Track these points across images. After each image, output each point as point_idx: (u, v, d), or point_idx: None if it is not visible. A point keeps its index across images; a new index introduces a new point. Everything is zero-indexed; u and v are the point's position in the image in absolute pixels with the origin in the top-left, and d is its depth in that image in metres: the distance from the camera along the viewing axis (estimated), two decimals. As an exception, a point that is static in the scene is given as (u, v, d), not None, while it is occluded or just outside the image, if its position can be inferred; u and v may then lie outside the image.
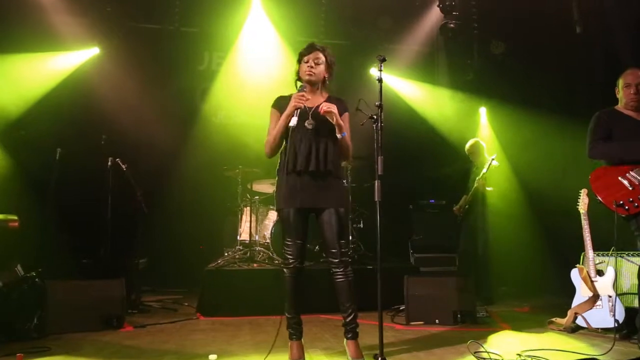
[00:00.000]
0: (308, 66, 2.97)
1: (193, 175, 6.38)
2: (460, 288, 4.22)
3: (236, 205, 5.97)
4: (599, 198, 3.29)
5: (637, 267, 3.90)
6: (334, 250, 2.94)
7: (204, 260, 5.95)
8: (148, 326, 4.04)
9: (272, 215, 5.94)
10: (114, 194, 5.00)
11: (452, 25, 6.61)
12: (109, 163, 4.97)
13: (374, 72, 6.74)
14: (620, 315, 3.57)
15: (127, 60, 6.18)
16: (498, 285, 5.59)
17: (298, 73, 3.06)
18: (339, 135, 2.90)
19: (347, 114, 3.07)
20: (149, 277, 5.64)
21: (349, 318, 2.95)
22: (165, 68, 6.53)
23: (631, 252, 4.07)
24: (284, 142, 2.98)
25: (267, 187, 5.98)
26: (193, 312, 4.68)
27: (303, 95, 2.87)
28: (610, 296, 3.66)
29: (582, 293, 3.80)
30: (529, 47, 5.77)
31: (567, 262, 5.57)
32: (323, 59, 3.00)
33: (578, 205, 3.98)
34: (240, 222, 5.84)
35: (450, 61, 6.88)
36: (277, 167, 3.08)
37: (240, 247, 5.62)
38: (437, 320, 4.16)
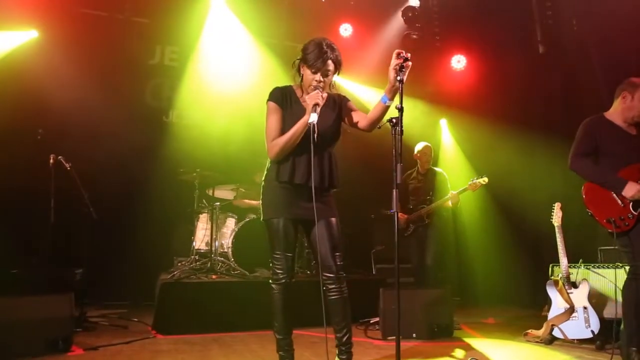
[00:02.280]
0: (316, 81, 2.63)
1: (138, 177, 5.81)
2: (436, 301, 4.14)
3: (190, 211, 5.54)
4: (590, 211, 3.25)
5: (603, 277, 4.06)
6: (328, 265, 2.67)
7: (149, 270, 5.50)
8: (100, 348, 3.54)
9: (231, 223, 5.57)
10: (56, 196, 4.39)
11: (415, 36, 6.67)
12: (51, 161, 4.37)
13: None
14: (595, 326, 3.65)
15: (70, 48, 5.53)
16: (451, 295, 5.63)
17: (300, 70, 2.74)
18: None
19: (350, 102, 2.82)
20: (84, 289, 5.04)
21: (345, 338, 2.71)
22: (112, 59, 5.94)
23: (597, 264, 4.21)
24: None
25: (226, 193, 5.60)
26: (147, 330, 4.21)
27: (319, 92, 2.57)
28: (585, 307, 3.73)
29: (558, 305, 3.85)
30: (491, 61, 5.90)
31: (530, 273, 5.79)
32: (332, 67, 2.66)
33: (552, 218, 4.04)
34: (196, 230, 5.40)
35: (411, 72, 6.89)
36: (266, 174, 2.79)
37: (196, 257, 5.19)
38: (414, 334, 4.04)
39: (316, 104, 2.53)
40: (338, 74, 2.77)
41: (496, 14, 5.62)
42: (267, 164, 2.81)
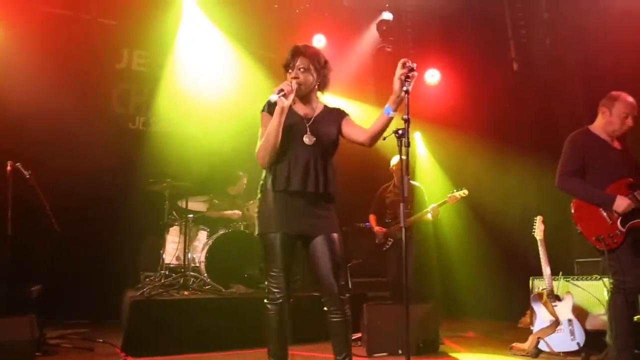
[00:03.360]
0: (292, 78, 2.54)
1: (103, 187, 5.45)
2: (422, 316, 4.05)
3: (162, 223, 5.23)
4: (579, 228, 3.24)
5: (583, 290, 4.12)
6: (330, 285, 2.49)
7: (112, 286, 5.15)
8: (67, 375, 3.22)
9: (203, 236, 5.33)
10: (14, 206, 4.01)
11: (388, 49, 6.70)
12: (8, 168, 4.01)
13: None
14: (581, 339, 3.67)
15: (32, 48, 5.16)
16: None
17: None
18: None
19: (349, 116, 2.69)
20: (39, 307, 4.64)
21: None
22: (76, 61, 5.58)
23: (575, 277, 4.27)
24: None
25: (198, 205, 5.33)
26: (115, 352, 3.88)
27: (288, 82, 2.48)
28: (570, 320, 3.74)
29: (543, 318, 3.85)
30: (465, 76, 5.99)
31: (505, 285, 5.84)
32: (309, 63, 2.56)
33: (534, 231, 4.07)
34: (165, 244, 5.10)
35: (386, 85, 6.93)
36: (261, 184, 2.62)
37: (166, 272, 4.89)
38: (399, 351, 3.93)
39: (281, 89, 2.42)
40: (325, 81, 2.64)
41: (470, 29, 5.72)
42: (263, 174, 2.64)
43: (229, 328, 4.13)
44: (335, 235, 2.57)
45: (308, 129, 2.53)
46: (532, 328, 4.09)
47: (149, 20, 5.92)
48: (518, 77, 5.47)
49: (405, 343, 2.32)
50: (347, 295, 2.55)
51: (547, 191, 5.25)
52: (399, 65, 2.36)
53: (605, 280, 3.85)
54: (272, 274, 2.52)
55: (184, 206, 5.16)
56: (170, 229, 5.17)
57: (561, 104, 5.11)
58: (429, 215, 4.88)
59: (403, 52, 6.72)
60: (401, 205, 2.34)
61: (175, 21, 5.96)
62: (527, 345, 3.84)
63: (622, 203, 3.07)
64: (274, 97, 2.44)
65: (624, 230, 3.08)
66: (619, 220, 3.10)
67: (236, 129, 6.03)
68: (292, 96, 2.47)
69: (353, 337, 4.30)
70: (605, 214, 3.16)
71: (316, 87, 2.64)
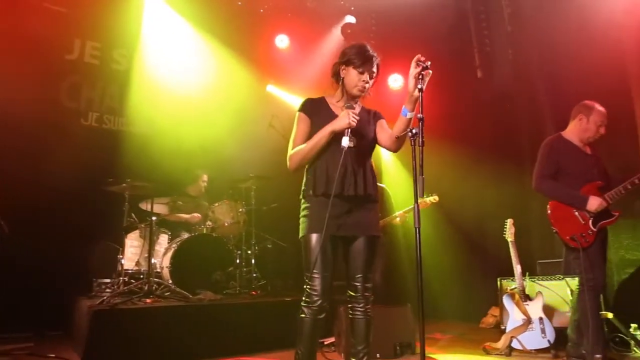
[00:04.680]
0: (363, 81, 2.54)
1: (50, 187, 4.94)
2: (399, 319, 4.05)
3: (115, 227, 4.88)
4: (555, 229, 3.44)
5: (546, 289, 4.30)
6: (356, 284, 2.53)
7: (56, 294, 4.73)
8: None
9: (163, 240, 5.04)
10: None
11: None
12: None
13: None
14: (551, 336, 3.81)
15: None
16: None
17: (340, 74, 2.60)
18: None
19: (383, 120, 2.70)
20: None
21: None
22: (21, 50, 5.10)
23: (541, 277, 4.45)
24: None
25: (160, 207, 5.02)
26: (74, 367, 3.56)
27: (355, 113, 2.45)
28: (541, 318, 3.88)
29: (515, 317, 3.97)
30: (428, 82, 6.08)
31: (465, 287, 5.99)
32: (376, 71, 2.59)
33: (504, 234, 4.19)
34: (124, 248, 4.75)
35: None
36: (303, 189, 2.60)
37: (125, 279, 4.56)
38: (378, 355, 3.89)
39: (349, 128, 2.41)
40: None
41: (434, 36, 5.84)
42: (304, 178, 2.63)
43: (199, 337, 3.92)
44: (375, 237, 2.58)
45: (348, 132, 2.47)
46: (502, 327, 4.22)
47: (103, 11, 5.55)
48: (482, 84, 5.64)
49: (421, 341, 2.24)
50: (371, 296, 2.57)
51: (506, 196, 5.48)
52: (413, 63, 2.33)
53: (568, 279, 4.06)
54: (311, 275, 2.47)
55: (144, 208, 4.86)
56: (130, 233, 4.83)
57: (522, 112, 5.34)
58: (398, 220, 4.93)
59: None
60: (415, 205, 2.29)
61: (134, 13, 5.62)
62: (500, 344, 3.94)
63: (594, 202, 3.31)
64: (345, 142, 2.40)
65: (595, 230, 3.32)
66: (590, 221, 3.33)
67: (199, 124, 5.80)
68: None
69: (326, 342, 4.28)
70: (578, 214, 3.38)
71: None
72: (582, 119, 3.53)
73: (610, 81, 4.32)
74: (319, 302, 2.43)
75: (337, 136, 2.50)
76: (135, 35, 5.68)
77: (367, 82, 2.55)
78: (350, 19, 6.89)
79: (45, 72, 5.31)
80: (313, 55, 6.91)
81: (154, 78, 5.70)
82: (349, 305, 2.57)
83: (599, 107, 3.50)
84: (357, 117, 2.44)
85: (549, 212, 3.48)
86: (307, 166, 2.60)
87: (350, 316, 2.58)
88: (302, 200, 2.60)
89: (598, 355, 3.23)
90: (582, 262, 3.29)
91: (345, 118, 2.41)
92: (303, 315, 2.47)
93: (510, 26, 5.28)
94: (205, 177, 5.57)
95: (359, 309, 2.54)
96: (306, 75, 6.90)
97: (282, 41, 6.83)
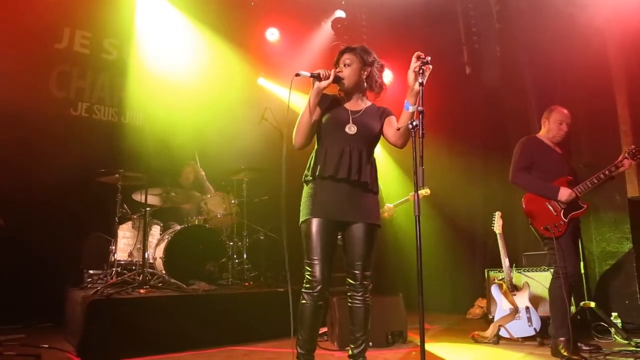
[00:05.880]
0: (337, 72, 2.66)
1: (42, 178, 4.90)
2: (391, 308, 4.16)
3: (107, 218, 4.86)
4: (530, 220, 3.66)
5: (532, 279, 4.45)
6: (355, 271, 2.58)
7: (45, 285, 4.72)
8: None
9: (155, 231, 5.03)
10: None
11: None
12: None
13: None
14: (537, 324, 3.96)
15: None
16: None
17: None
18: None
19: (393, 117, 2.75)
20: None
21: (358, 350, 2.60)
22: (10, 39, 5.01)
23: (527, 268, 4.61)
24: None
25: (152, 198, 5.00)
26: (68, 357, 3.54)
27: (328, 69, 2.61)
28: (527, 308, 4.03)
29: (503, 306, 4.10)
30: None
31: (450, 279, 6.13)
32: (355, 59, 2.68)
33: (493, 226, 4.33)
34: (116, 239, 4.74)
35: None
36: (304, 175, 2.68)
37: (118, 270, 4.55)
38: (370, 343, 3.98)
39: (317, 72, 2.55)
40: (373, 77, 2.74)
41: (424, 32, 5.93)
42: (307, 164, 2.70)
43: (194, 326, 3.94)
44: (373, 224, 2.61)
45: (351, 120, 2.60)
46: (490, 317, 4.37)
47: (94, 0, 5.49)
48: (470, 80, 5.76)
49: (421, 330, 2.33)
50: (370, 285, 2.60)
51: (494, 189, 5.62)
52: (413, 58, 2.41)
53: (552, 271, 4.24)
54: (310, 262, 2.51)
55: (138, 199, 4.84)
56: (123, 224, 4.81)
57: (510, 108, 5.48)
58: (386, 214, 5.02)
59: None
60: (415, 194, 2.36)
61: (126, 2, 5.58)
62: (488, 332, 4.07)
63: (564, 193, 3.56)
64: (303, 73, 2.53)
65: (566, 220, 3.56)
66: (562, 212, 3.57)
67: (190, 115, 5.80)
68: (327, 82, 2.54)
69: (320, 332, 4.36)
70: (550, 206, 3.61)
71: (365, 86, 2.73)
72: (545, 122, 3.85)
73: (593, 82, 4.50)
74: (318, 287, 2.48)
75: (342, 124, 2.60)
76: (127, 25, 5.65)
77: (339, 71, 2.67)
78: (340, 13, 6.94)
79: (34, 61, 5.25)
80: (303, 49, 6.95)
81: (145, 68, 5.68)
82: (348, 294, 2.61)
83: (560, 108, 3.78)
84: (328, 71, 2.57)
85: (523, 205, 3.70)
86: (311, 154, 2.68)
87: (349, 304, 2.62)
88: (305, 186, 2.66)
89: (562, 338, 3.44)
90: (556, 250, 3.50)
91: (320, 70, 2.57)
92: (304, 302, 2.52)
93: (499, 24, 5.40)
94: (190, 168, 5.56)
95: (357, 297, 2.58)
96: (296, 68, 6.86)
97: (272, 34, 6.84)
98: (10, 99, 4.83)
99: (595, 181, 3.52)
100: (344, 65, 2.68)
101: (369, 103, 2.77)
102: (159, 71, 5.73)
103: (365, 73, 2.70)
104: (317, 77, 2.54)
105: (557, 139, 3.79)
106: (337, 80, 2.65)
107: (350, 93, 2.73)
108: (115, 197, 4.75)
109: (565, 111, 3.78)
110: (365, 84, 2.73)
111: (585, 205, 3.60)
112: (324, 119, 2.64)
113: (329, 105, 2.68)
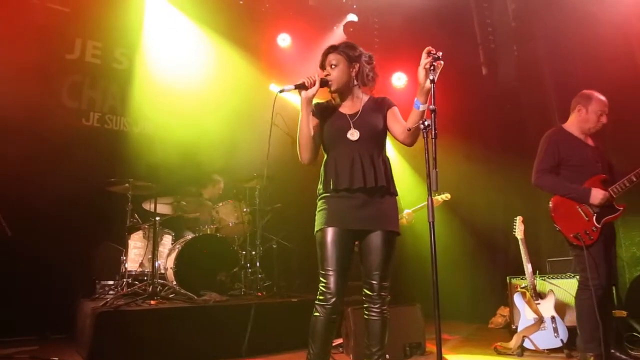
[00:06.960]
0: (326, 75, 2.55)
1: (53, 188, 4.85)
2: (408, 319, 3.98)
3: (118, 228, 4.80)
4: (558, 227, 3.29)
5: (557, 287, 4.23)
6: (373, 282, 2.43)
7: (59, 296, 4.66)
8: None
9: (167, 241, 4.96)
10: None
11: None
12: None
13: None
14: (564, 335, 3.74)
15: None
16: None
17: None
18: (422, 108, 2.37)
19: (395, 107, 2.62)
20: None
21: None
22: (22, 49, 5.03)
23: (552, 275, 4.39)
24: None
25: (163, 207, 4.95)
26: (77, 370, 3.48)
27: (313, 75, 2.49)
28: (553, 317, 3.82)
29: (527, 316, 3.90)
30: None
31: (470, 287, 5.91)
32: (340, 58, 2.56)
33: (514, 231, 4.13)
34: (127, 249, 4.68)
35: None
36: (318, 189, 2.55)
37: (128, 280, 4.49)
38: (387, 356, 3.80)
39: (301, 81, 2.45)
40: (362, 73, 2.60)
41: (438, 33, 5.78)
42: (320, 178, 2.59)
43: (205, 338, 3.84)
44: (392, 232, 2.47)
45: (351, 125, 2.47)
46: (513, 327, 4.16)
47: (104, 10, 5.50)
48: (487, 81, 5.59)
49: (437, 341, 2.17)
50: (388, 296, 2.46)
51: (514, 193, 5.41)
52: (424, 54, 2.27)
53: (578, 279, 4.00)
54: (325, 273, 2.38)
55: (147, 208, 4.78)
56: (133, 233, 4.75)
57: (529, 108, 5.29)
58: (404, 220, 4.86)
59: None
60: (429, 198, 2.22)
61: (136, 12, 5.57)
62: (512, 344, 3.87)
63: (598, 195, 3.16)
64: (287, 87, 2.45)
65: (599, 226, 3.17)
66: (594, 217, 3.19)
67: (202, 124, 5.74)
68: (314, 89, 2.43)
69: (334, 344, 4.21)
70: (581, 210, 3.23)
71: (355, 81, 2.59)
72: (580, 110, 3.39)
73: (619, 76, 4.26)
74: (332, 300, 2.35)
75: (343, 131, 2.48)
76: (137, 34, 5.63)
77: (327, 74, 2.56)
78: (352, 17, 6.84)
79: (46, 72, 5.25)
80: (315, 54, 6.82)
81: (156, 77, 5.64)
82: (365, 305, 2.47)
83: (599, 96, 3.35)
84: (312, 77, 2.48)
85: (551, 209, 3.34)
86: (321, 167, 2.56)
87: (365, 316, 2.48)
88: (318, 198, 2.55)
89: (590, 354, 3.14)
90: (586, 260, 3.13)
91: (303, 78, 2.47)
92: (317, 314, 2.38)
93: (515, 22, 5.23)
94: (222, 184, 5.56)
95: (374, 309, 2.44)
96: (309, 74, 6.84)
97: (284, 40, 6.78)
98: (23, 110, 4.84)
99: (634, 179, 3.13)
100: (331, 66, 2.55)
101: (365, 98, 2.62)
102: (170, 79, 5.69)
103: (354, 70, 2.57)
104: (302, 87, 2.44)
105: (592, 131, 3.36)
106: (325, 83, 2.52)
107: (343, 94, 2.60)
108: (126, 206, 4.69)
109: (604, 98, 3.33)
110: (356, 81, 2.59)
111: (622, 208, 3.22)
112: (324, 130, 2.54)
113: (325, 113, 2.57)
